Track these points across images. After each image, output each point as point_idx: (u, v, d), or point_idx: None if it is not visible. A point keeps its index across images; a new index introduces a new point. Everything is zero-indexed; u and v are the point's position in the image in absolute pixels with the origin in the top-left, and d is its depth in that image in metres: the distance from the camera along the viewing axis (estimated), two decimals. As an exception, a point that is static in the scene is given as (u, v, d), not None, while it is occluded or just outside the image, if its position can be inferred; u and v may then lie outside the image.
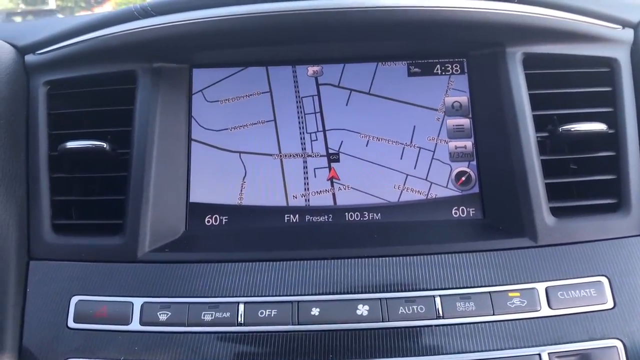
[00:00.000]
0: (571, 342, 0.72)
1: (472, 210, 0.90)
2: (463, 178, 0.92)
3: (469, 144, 0.93)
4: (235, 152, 0.94)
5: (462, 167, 0.93)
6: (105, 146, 0.86)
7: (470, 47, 0.92)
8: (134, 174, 0.85)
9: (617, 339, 0.72)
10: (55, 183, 0.87)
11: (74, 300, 0.77)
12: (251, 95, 0.96)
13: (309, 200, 0.92)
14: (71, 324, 0.75)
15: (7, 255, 0.79)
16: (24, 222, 0.83)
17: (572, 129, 0.85)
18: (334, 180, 0.93)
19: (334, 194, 0.92)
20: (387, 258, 0.79)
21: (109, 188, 0.87)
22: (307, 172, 0.93)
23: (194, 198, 0.92)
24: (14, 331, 0.75)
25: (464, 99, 0.95)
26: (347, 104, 0.95)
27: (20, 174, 0.86)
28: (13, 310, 0.76)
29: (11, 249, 0.80)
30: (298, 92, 0.95)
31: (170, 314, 0.74)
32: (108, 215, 0.84)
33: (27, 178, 0.87)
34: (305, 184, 0.93)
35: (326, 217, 0.91)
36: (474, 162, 0.92)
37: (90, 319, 0.75)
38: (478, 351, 0.71)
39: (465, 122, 0.94)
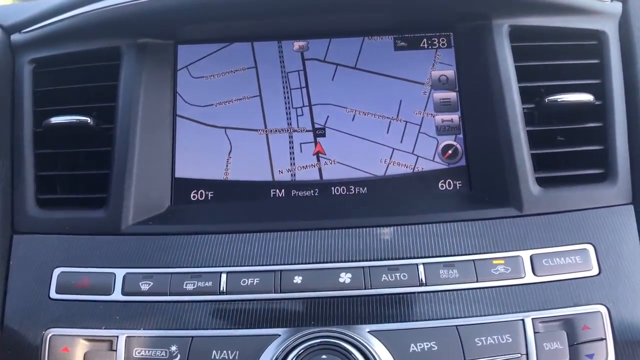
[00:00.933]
0: (555, 308, 0.71)
1: (459, 183, 0.90)
2: (450, 151, 0.91)
3: (455, 117, 0.93)
4: (220, 128, 0.93)
5: (448, 140, 0.92)
6: (89, 121, 0.86)
7: (457, 20, 0.92)
8: (118, 149, 0.85)
9: (602, 304, 0.72)
10: (40, 159, 0.87)
11: (57, 272, 0.77)
12: (236, 71, 0.95)
13: (294, 175, 0.92)
14: (53, 294, 0.75)
15: (-10, 229, 0.79)
16: (8, 197, 0.83)
17: (559, 100, 0.84)
18: (319, 154, 0.92)
19: (319, 169, 0.92)
20: (371, 228, 0.78)
21: (93, 163, 0.86)
22: (292, 147, 0.93)
23: (179, 173, 0.91)
24: (-4, 304, 0.74)
25: (450, 72, 0.94)
26: (333, 79, 0.95)
27: (4, 150, 0.85)
28: (-5, 283, 0.75)
29: (-6, 222, 0.80)
30: (284, 67, 0.95)
31: (152, 283, 0.74)
32: (92, 189, 0.84)
33: (11, 154, 0.86)
34: (291, 158, 0.92)
35: (312, 191, 0.91)
36: (461, 136, 0.92)
37: (72, 289, 0.75)
38: (461, 317, 0.71)
39: (452, 95, 0.94)
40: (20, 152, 0.86)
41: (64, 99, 0.90)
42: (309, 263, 0.76)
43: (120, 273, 0.75)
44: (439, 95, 0.94)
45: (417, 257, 0.75)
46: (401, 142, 0.92)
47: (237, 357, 0.68)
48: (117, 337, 0.70)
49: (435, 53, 0.95)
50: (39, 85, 0.90)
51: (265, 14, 0.88)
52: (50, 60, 0.92)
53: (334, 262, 0.75)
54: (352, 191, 0.90)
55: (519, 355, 0.68)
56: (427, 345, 0.68)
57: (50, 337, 0.71)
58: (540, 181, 0.82)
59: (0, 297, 0.75)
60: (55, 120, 0.86)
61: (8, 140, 0.87)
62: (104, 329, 0.71)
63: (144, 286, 0.74)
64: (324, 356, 0.64)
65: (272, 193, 0.91)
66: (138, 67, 0.88)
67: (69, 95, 0.91)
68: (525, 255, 0.75)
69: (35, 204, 0.84)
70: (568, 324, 0.70)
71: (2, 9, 1.10)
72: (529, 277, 0.73)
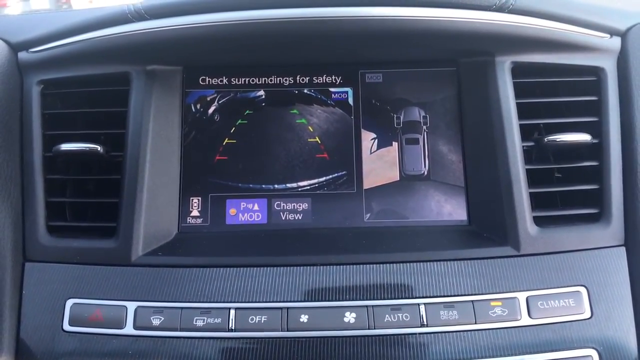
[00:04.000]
0: (549, 351, 0.75)
1: (458, 216, 0.92)
2: (450, 185, 0.94)
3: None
4: (227, 155, 0.95)
5: (449, 173, 0.94)
6: (99, 149, 0.87)
7: (461, 56, 0.94)
8: (128, 178, 0.86)
9: (593, 348, 0.75)
10: (50, 184, 0.88)
11: (69, 303, 0.79)
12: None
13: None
14: (66, 326, 0.77)
15: (3, 257, 0.81)
16: (19, 224, 0.85)
17: (558, 140, 0.87)
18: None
19: (318, 200, 0.94)
20: (374, 265, 0.81)
21: (103, 190, 0.88)
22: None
23: (186, 202, 0.93)
24: (11, 333, 0.77)
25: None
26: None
27: (15, 175, 0.87)
28: (9, 312, 0.78)
29: (7, 250, 0.82)
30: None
31: (163, 318, 0.76)
32: (102, 217, 0.86)
33: (21, 179, 0.87)
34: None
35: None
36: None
37: (85, 322, 0.77)
38: (460, 359, 0.74)
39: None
40: (30, 177, 0.87)
41: (73, 122, 0.91)
42: (314, 300, 0.78)
43: (131, 306, 0.78)
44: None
45: (418, 297, 0.78)
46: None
47: (246, 398, 0.70)
48: (130, 373, 0.72)
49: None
50: (48, 108, 0.91)
51: (272, 47, 0.89)
52: (59, 82, 0.92)
53: (338, 299, 0.78)
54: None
55: (515, 399, 0.71)
56: (429, 389, 0.71)
57: (64, 374, 0.73)
58: (537, 219, 0.85)
59: (14, 327, 0.77)
60: (65, 147, 0.87)
61: (18, 164, 0.88)
62: (117, 364, 0.73)
63: (155, 321, 0.76)
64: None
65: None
66: (147, 93, 0.89)
67: (78, 118, 0.92)
68: (522, 296, 0.78)
69: (46, 231, 0.85)
70: (561, 368, 0.74)
71: (7, 22, 1.09)
72: (525, 320, 0.77)
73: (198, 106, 0.95)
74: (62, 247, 0.84)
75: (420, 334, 0.76)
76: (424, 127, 0.94)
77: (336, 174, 0.94)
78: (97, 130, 0.89)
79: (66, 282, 0.81)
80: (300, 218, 0.91)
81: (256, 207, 0.92)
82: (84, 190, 0.89)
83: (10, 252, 0.82)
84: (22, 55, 0.93)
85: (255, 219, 0.91)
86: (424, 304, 0.78)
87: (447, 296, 0.79)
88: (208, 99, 0.96)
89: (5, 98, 0.89)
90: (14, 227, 0.84)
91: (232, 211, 0.92)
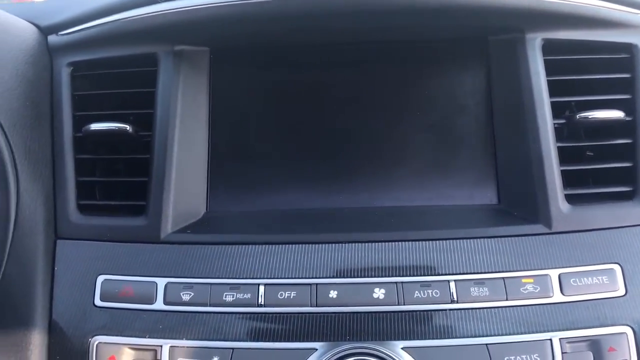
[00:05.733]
0: (582, 328, 0.73)
1: (488, 196, 0.91)
2: (480, 164, 0.93)
3: (486, 130, 0.94)
4: (254, 133, 0.95)
5: (478, 152, 0.93)
6: (128, 129, 0.88)
7: (490, 33, 0.92)
8: (157, 157, 0.86)
9: (627, 325, 0.74)
10: (80, 164, 0.89)
11: (100, 279, 0.79)
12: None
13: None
14: (98, 302, 0.78)
15: (35, 234, 0.82)
16: (50, 202, 0.86)
17: (590, 117, 0.85)
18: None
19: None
20: (403, 242, 0.81)
21: (132, 170, 0.88)
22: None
23: (214, 180, 0.93)
24: (44, 308, 0.78)
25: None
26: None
27: (46, 155, 0.88)
28: (42, 288, 0.79)
29: (39, 227, 0.83)
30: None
31: (193, 294, 0.77)
32: (131, 196, 0.86)
33: (52, 159, 0.88)
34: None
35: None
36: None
37: (116, 297, 0.78)
38: (491, 335, 0.73)
39: (484, 108, 0.94)
40: (61, 157, 0.88)
41: (102, 103, 0.92)
42: (343, 277, 0.78)
43: (161, 282, 0.78)
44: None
45: (448, 274, 0.78)
46: (432, 152, 0.94)
47: (276, 371, 0.71)
48: (161, 346, 0.73)
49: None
50: (78, 89, 0.92)
51: (301, 29, 0.88)
52: (88, 64, 0.93)
53: (368, 277, 0.78)
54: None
55: (547, 375, 0.70)
56: (460, 364, 0.71)
57: (97, 345, 0.74)
58: (569, 197, 0.84)
59: (46, 303, 0.78)
60: (94, 126, 0.88)
61: (49, 144, 0.89)
62: (148, 337, 0.74)
63: (185, 296, 0.77)
64: (359, 375, 0.67)
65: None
66: (175, 74, 0.89)
67: (107, 99, 0.92)
68: (554, 274, 0.77)
69: (77, 210, 0.86)
70: (594, 345, 0.73)
71: (36, 7, 1.10)
72: (557, 297, 0.76)
73: (225, 87, 0.95)
74: (92, 224, 0.85)
75: (450, 310, 0.75)
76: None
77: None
78: (125, 111, 0.90)
79: (97, 259, 0.81)
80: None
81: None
82: (114, 169, 0.90)
83: (42, 229, 0.83)
84: (52, 38, 0.94)
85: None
86: (454, 280, 0.77)
87: (478, 273, 0.78)
88: (235, 79, 0.96)
89: (36, 80, 0.90)
90: (46, 206, 0.85)
91: (259, 189, 0.91)
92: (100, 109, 0.91)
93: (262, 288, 0.77)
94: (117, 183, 0.88)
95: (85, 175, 0.88)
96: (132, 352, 0.74)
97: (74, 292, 0.79)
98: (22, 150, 0.85)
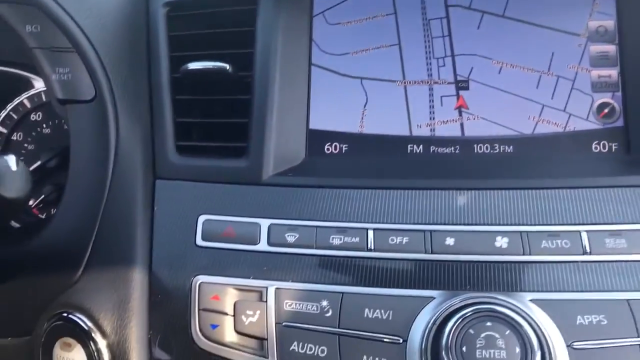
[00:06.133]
0: None
1: (615, 145, 0.83)
2: (606, 110, 0.84)
3: (614, 73, 0.85)
4: (356, 78, 0.89)
5: (605, 98, 0.85)
6: (227, 67, 0.84)
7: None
8: (257, 97, 0.82)
9: None
10: (178, 105, 0.86)
11: (202, 219, 0.76)
12: (375, 17, 0.91)
13: (434, 130, 0.87)
14: (199, 242, 0.75)
15: (134, 173, 0.80)
16: (148, 143, 0.84)
17: None
18: (462, 109, 0.87)
19: (462, 124, 0.87)
20: (525, 190, 0.73)
21: (231, 111, 0.84)
22: (432, 100, 0.88)
23: (313, 125, 0.89)
24: (144, 247, 0.75)
25: (609, 23, 0.86)
26: (478, 27, 0.88)
27: (144, 95, 0.85)
28: (142, 227, 0.76)
29: (137, 167, 0.81)
30: (425, 14, 0.90)
31: (298, 235, 0.73)
32: (231, 138, 0.82)
33: (150, 100, 0.85)
34: (430, 112, 0.88)
35: (453, 148, 0.86)
36: (619, 93, 0.84)
37: (218, 237, 0.74)
38: (632, 290, 0.65)
39: (611, 48, 0.85)
40: (159, 98, 0.86)
41: (199, 44, 0.88)
42: (460, 224, 0.71)
43: (264, 223, 0.74)
44: (595, 48, 0.86)
45: (579, 224, 0.70)
46: (552, 98, 0.85)
47: (390, 317, 0.65)
48: (267, 288, 0.69)
49: (593, 1, 0.86)
50: (174, 30, 0.89)
51: None
52: (184, 4, 0.90)
53: (488, 224, 0.71)
54: (496, 149, 0.85)
55: (702, 335, 0.61)
56: (595, 318, 0.63)
57: (199, 284, 0.71)
58: None
59: (147, 241, 0.75)
60: (193, 65, 0.85)
61: (146, 85, 0.86)
62: (252, 278, 0.70)
63: (290, 238, 0.72)
64: (488, 323, 0.60)
65: (409, 148, 0.87)
66: (275, 12, 0.85)
67: (204, 40, 0.89)
68: (703, 228, 0.68)
69: (176, 151, 0.83)
70: None
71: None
72: None
73: (328, 27, 0.89)
74: (192, 165, 0.82)
75: (583, 262, 0.67)
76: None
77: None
78: (223, 51, 0.86)
79: (197, 199, 0.78)
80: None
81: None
82: (212, 111, 0.86)
83: (141, 169, 0.81)
84: (148, -22, 0.91)
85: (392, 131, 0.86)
86: (586, 231, 0.69)
87: (612, 224, 0.69)
88: (339, 20, 0.90)
89: (132, 23, 0.89)
90: (144, 146, 0.83)
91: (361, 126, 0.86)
92: (197, 49, 0.88)
93: (370, 233, 0.72)
94: (216, 124, 0.85)
95: (184, 117, 0.85)
96: (236, 292, 0.70)
97: (174, 232, 0.76)
98: (121, 90, 0.83)
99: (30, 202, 1.09)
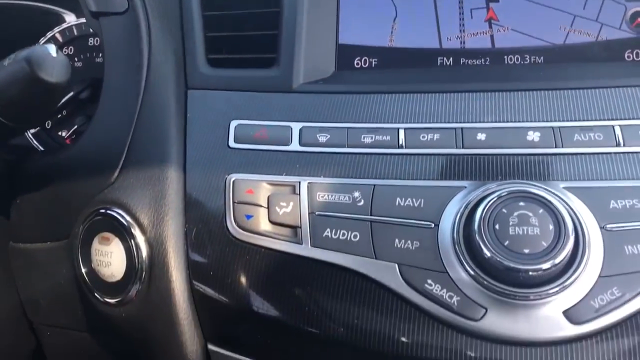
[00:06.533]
0: None
1: (649, 52, 0.81)
2: (639, 19, 0.82)
3: (648, -19, 0.83)
4: (385, -7, 0.89)
5: (638, 6, 0.83)
6: (257, -19, 0.84)
7: None
8: (287, 9, 0.83)
9: None
10: (208, 20, 0.87)
11: (234, 123, 0.77)
12: None
13: (464, 42, 0.87)
14: (232, 144, 0.76)
15: (167, 83, 0.81)
16: (180, 55, 0.85)
17: None
18: (492, 21, 0.86)
19: (492, 36, 0.86)
20: (556, 91, 0.73)
21: (260, 24, 0.85)
22: (462, 13, 0.87)
23: (343, 39, 0.89)
24: (178, 149, 0.77)
25: None
26: (508, -61, 0.87)
27: (175, 9, 0.86)
28: (176, 131, 0.78)
29: (170, 77, 0.82)
30: None
31: (329, 136, 0.73)
32: (260, 50, 0.83)
33: (181, 15, 0.87)
34: (460, 25, 0.87)
35: (483, 60, 0.86)
36: (653, 1, 0.82)
37: (251, 139, 0.75)
38: (667, 180, 0.64)
39: (646, -44, 0.84)
40: (189, 14, 0.86)
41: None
42: (491, 122, 0.71)
43: (296, 127, 0.75)
44: (629, -44, 0.84)
45: (612, 119, 0.69)
46: (584, 8, 0.85)
47: (422, 205, 0.66)
48: (299, 182, 0.70)
49: None
50: None
51: None
52: None
53: (520, 121, 0.71)
54: (527, 60, 0.85)
55: None
56: (628, 202, 0.63)
57: (233, 181, 0.72)
58: None
59: (181, 145, 0.77)
60: (222, -20, 0.85)
61: (177, 1, 0.87)
62: (285, 175, 0.71)
63: (322, 138, 0.73)
64: (521, 203, 0.61)
65: (439, 61, 0.87)
66: None
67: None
68: None
69: (206, 63, 0.84)
70: None
71: None
72: None
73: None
74: (223, 75, 0.83)
75: (616, 153, 0.67)
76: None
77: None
78: None
79: (229, 107, 0.79)
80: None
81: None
82: (242, 24, 0.87)
83: (174, 79, 0.83)
84: None
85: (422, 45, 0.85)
86: (620, 125, 0.68)
87: (645, 119, 0.68)
88: None
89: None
90: (176, 57, 0.84)
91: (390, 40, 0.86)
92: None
93: (402, 132, 0.72)
94: (246, 37, 0.85)
95: (214, 31, 0.86)
96: (269, 187, 0.71)
97: (207, 136, 0.77)
98: (153, 3, 0.84)
99: (63, 133, 1.11)
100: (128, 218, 0.73)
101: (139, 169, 0.75)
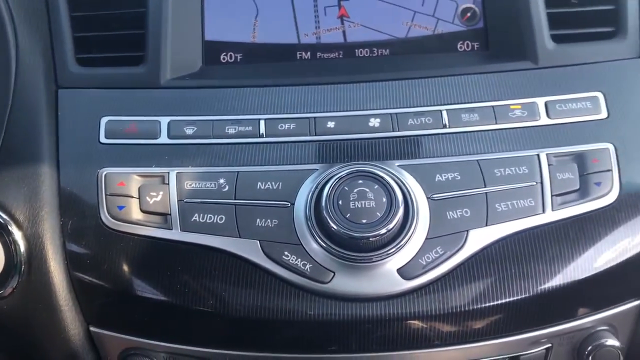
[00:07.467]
0: (568, 145, 0.78)
1: (477, 45, 0.95)
2: (468, 14, 0.96)
3: (474, -19, 0.96)
4: (246, -9, 0.96)
5: (467, 3, 0.96)
6: (121, -18, 0.88)
7: None
8: (152, 8, 0.88)
9: (610, 143, 0.78)
10: (75, 21, 0.89)
11: (104, 120, 0.82)
12: None
13: (319, 37, 0.96)
14: (103, 139, 0.80)
15: (37, 83, 0.84)
16: (49, 55, 0.87)
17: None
18: (343, 18, 0.96)
19: (344, 32, 0.96)
20: (396, 81, 0.84)
21: (127, 24, 0.90)
22: (317, 11, 0.96)
23: (208, 36, 0.95)
24: (50, 148, 0.80)
25: None
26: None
27: (42, 10, 0.89)
28: (47, 129, 0.81)
29: (39, 77, 0.85)
30: None
31: (196, 128, 0.80)
32: (128, 48, 0.88)
33: (48, 14, 0.89)
34: (315, 21, 0.96)
35: (337, 53, 0.95)
36: (479, -1, 0.95)
37: (121, 134, 0.80)
38: (481, 153, 0.77)
39: (471, -41, 0.96)
40: (56, 15, 0.89)
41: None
42: (340, 111, 0.81)
43: (164, 120, 0.81)
44: (458, -41, 0.96)
45: (441, 104, 0.81)
46: (422, 5, 0.96)
47: (280, 187, 0.74)
48: (168, 172, 0.76)
49: None
50: None
51: None
52: None
53: (364, 109, 0.81)
54: (375, 53, 0.95)
55: (535, 183, 0.75)
56: (451, 175, 0.75)
57: (105, 175, 0.77)
58: (555, 39, 0.87)
59: (53, 143, 0.80)
60: (86, -19, 0.88)
61: (43, 2, 0.89)
62: (155, 167, 0.77)
63: (189, 130, 0.80)
64: (360, 181, 0.71)
65: (298, 55, 0.96)
66: None
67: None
68: (540, 101, 0.81)
69: (75, 62, 0.87)
70: (579, 157, 0.77)
71: None
72: (544, 120, 0.80)
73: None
74: (93, 74, 0.87)
75: (442, 134, 0.79)
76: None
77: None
78: None
79: (99, 104, 0.84)
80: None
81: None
82: (110, 24, 0.91)
83: (43, 79, 0.85)
84: None
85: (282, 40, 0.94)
86: (446, 110, 0.80)
87: (468, 103, 0.81)
88: None
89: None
90: (44, 58, 0.87)
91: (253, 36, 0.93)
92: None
93: (262, 122, 0.80)
94: (115, 37, 0.89)
95: (82, 32, 0.89)
96: (140, 179, 0.76)
97: (78, 133, 0.81)
98: (18, 5, 0.86)
99: None
100: (4, 216, 0.76)
101: (12, 168, 0.78)
